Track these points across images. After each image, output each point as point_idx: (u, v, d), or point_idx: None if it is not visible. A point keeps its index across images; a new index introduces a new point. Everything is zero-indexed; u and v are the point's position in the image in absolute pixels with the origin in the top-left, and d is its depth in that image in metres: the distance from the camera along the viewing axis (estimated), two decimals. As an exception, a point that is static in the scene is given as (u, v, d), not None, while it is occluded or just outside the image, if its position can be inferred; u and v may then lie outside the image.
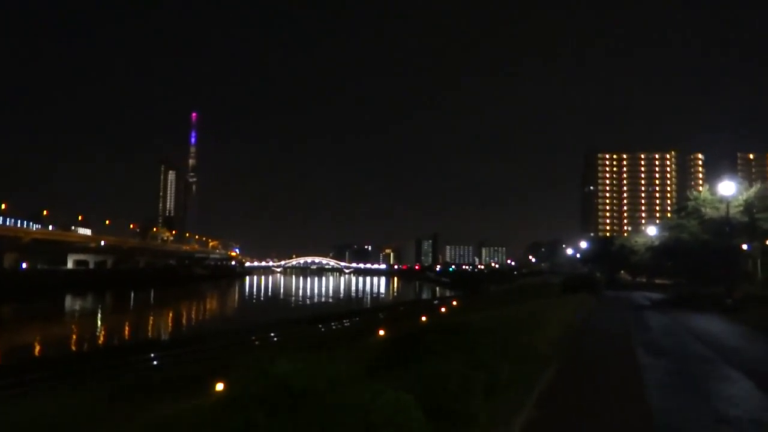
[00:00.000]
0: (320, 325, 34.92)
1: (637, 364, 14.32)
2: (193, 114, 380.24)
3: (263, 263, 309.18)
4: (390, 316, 36.39)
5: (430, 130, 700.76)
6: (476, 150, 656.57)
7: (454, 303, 50.57)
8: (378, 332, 19.03)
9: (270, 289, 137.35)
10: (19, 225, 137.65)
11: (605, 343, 18.82)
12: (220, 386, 9.46)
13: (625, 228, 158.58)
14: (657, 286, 65.91)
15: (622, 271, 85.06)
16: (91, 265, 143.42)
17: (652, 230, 67.35)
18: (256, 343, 26.39)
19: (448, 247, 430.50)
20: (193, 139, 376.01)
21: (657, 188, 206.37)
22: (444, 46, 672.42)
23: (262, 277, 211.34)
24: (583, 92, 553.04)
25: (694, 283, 47.57)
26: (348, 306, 78.78)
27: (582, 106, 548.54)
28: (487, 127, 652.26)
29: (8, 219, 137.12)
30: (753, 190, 44.60)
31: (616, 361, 15.11)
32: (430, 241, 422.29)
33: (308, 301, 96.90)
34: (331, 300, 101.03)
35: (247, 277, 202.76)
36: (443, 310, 38.63)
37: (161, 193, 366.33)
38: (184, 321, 64.18)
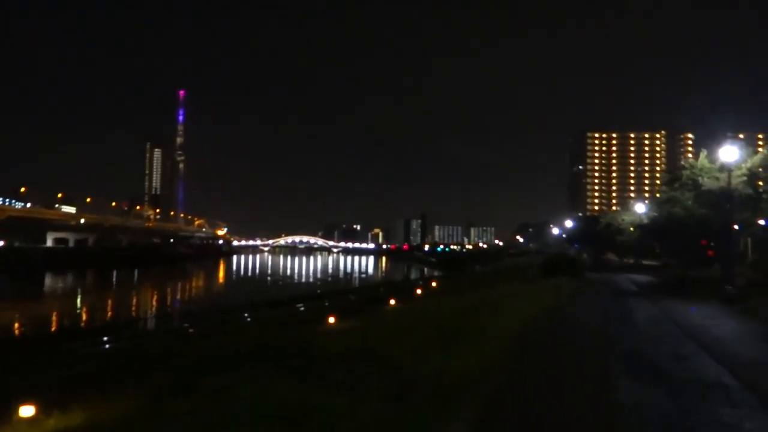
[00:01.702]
0: (297, 306, 32.77)
1: (613, 403, 8.81)
2: (181, 92, 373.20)
3: (251, 242, 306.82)
4: (360, 299, 34.44)
5: (421, 110, 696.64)
6: (466, 130, 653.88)
7: (434, 284, 48.71)
8: (327, 320, 16.96)
9: (254, 269, 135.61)
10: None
11: (569, 356, 13.05)
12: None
13: (614, 208, 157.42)
14: (645, 268, 62.27)
15: (609, 253, 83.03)
16: (71, 244, 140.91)
17: (640, 207, 62.25)
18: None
19: (437, 227, 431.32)
20: (180, 117, 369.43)
21: (646, 168, 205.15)
22: (427, 23, 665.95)
23: (250, 257, 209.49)
24: (572, 71, 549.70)
25: (685, 264, 44.05)
26: (330, 286, 77.23)
27: (572, 86, 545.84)
28: (478, 107, 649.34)
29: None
30: (759, 157, 38.89)
31: (579, 398, 9.28)
32: (419, 221, 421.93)
33: (289, 281, 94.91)
34: (312, 280, 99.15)
35: (234, 257, 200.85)
36: (419, 291, 36.66)
37: (147, 172, 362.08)
38: (163, 300, 62.46)
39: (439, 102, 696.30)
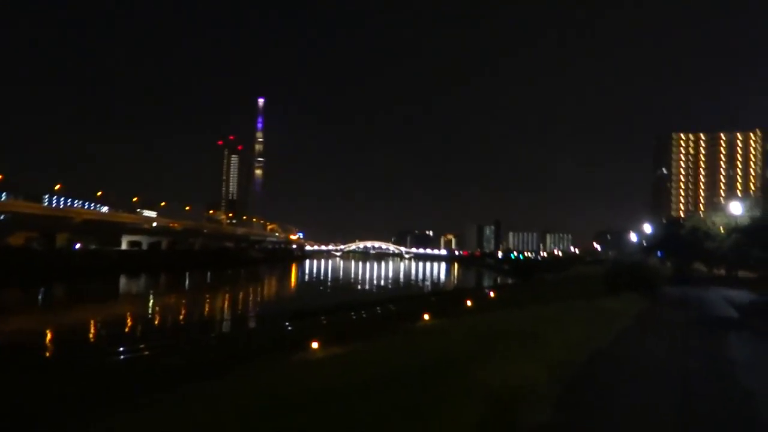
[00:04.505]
0: (321, 318, 29.50)
1: None
2: (260, 99, 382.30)
3: (323, 247, 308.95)
4: (394, 312, 30.60)
5: (495, 116, 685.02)
6: (543, 135, 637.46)
7: (491, 294, 44.13)
8: (311, 345, 13.31)
9: (323, 274, 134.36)
10: (77, 205, 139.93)
11: None
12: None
13: (702, 214, 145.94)
14: (741, 282, 50.36)
15: (696, 262, 74.04)
16: (145, 246, 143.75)
17: (736, 207, 52.94)
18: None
19: (511, 233, 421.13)
20: (259, 125, 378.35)
21: (739, 171, 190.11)
22: (499, 22, 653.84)
23: (322, 261, 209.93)
24: (651, 74, 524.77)
25: None
26: (388, 293, 74.19)
27: (652, 88, 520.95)
28: (554, 111, 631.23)
29: (63, 199, 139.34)
30: None
31: None
32: (493, 227, 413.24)
33: (351, 288, 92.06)
34: (370, 287, 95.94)
35: (307, 261, 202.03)
36: (469, 303, 32.35)
37: (224, 177, 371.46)
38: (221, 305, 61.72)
39: (513, 106, 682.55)
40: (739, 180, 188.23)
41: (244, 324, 26.49)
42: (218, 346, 20.13)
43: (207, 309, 56.03)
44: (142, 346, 21.09)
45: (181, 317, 47.92)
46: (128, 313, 48.53)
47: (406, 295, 55.58)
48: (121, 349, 21.94)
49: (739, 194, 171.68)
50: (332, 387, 7.33)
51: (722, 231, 53.37)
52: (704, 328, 20.06)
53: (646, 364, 12.35)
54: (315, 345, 13.38)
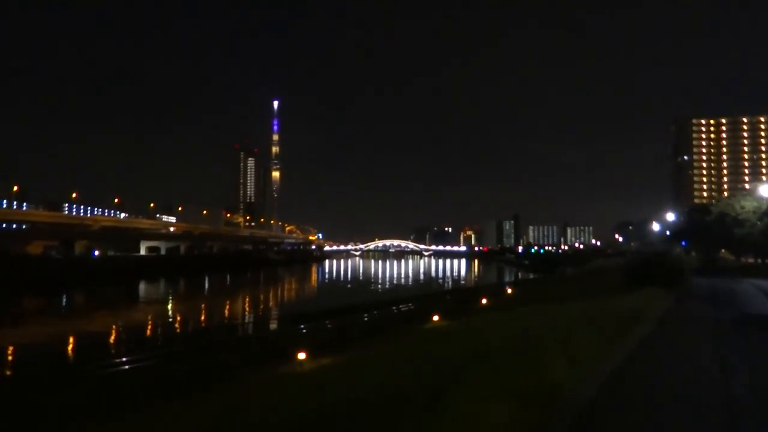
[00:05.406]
0: (325, 322, 28.51)
1: None
2: (275, 101, 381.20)
3: (342, 247, 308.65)
4: (401, 313, 29.41)
5: (512, 111, 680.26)
6: (561, 130, 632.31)
7: (509, 291, 42.67)
8: (297, 355, 12.18)
9: (342, 274, 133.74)
10: (96, 213, 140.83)
11: None
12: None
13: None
14: None
15: (722, 250, 71.39)
16: (163, 251, 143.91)
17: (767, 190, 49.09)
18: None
19: (531, 227, 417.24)
20: (275, 127, 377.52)
21: (763, 155, 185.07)
22: (510, 19, 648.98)
23: (341, 261, 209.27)
24: (665, 60, 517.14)
25: None
26: (404, 292, 72.78)
27: (667, 74, 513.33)
28: (571, 104, 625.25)
29: (82, 207, 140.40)
30: None
31: None
32: (512, 222, 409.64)
33: (370, 287, 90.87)
34: (389, 286, 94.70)
35: (327, 261, 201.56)
36: (484, 301, 30.96)
37: (241, 180, 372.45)
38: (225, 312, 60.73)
39: (529, 100, 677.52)
40: (764, 164, 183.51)
41: (264, 327, 25.65)
42: (212, 356, 19.10)
43: (223, 313, 55.32)
44: (124, 359, 20.23)
45: (198, 323, 47.35)
46: (143, 320, 47.93)
47: (422, 294, 54.28)
48: (125, 359, 21.23)
49: (765, 180, 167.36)
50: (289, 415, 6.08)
51: (752, 216, 50.18)
52: (747, 332, 15.79)
53: (678, 400, 8.23)
54: (302, 356, 12.25)
